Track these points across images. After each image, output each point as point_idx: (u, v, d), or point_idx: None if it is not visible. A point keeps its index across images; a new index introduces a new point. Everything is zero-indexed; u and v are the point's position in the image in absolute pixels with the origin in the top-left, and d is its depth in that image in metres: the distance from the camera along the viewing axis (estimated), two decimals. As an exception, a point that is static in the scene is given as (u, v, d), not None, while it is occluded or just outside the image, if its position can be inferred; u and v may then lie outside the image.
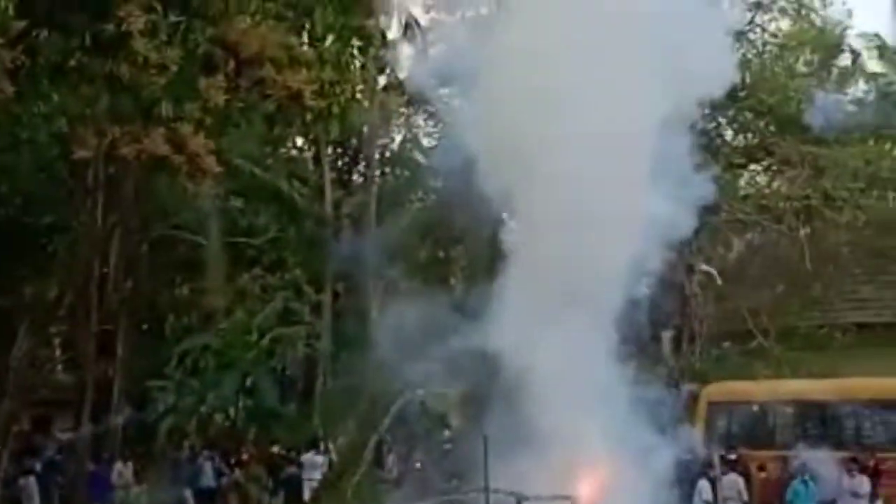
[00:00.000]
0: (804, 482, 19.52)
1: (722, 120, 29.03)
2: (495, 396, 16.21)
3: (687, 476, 19.13)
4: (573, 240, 15.09)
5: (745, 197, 29.07)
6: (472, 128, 17.02)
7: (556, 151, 15.13)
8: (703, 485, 19.70)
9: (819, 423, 22.11)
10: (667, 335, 26.85)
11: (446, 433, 25.45)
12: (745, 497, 20.12)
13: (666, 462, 16.08)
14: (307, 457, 24.80)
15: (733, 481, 20.06)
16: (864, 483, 19.36)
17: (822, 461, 19.56)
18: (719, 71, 16.59)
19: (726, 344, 28.00)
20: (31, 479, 22.91)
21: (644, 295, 17.05)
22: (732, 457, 20.75)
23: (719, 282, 27.25)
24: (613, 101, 14.98)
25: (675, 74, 15.36)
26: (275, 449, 25.63)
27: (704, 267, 26.59)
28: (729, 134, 30.03)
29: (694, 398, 23.88)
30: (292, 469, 24.89)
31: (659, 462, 15.85)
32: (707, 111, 25.76)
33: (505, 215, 18.07)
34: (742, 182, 31.24)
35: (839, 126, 26.74)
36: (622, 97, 15.04)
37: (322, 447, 25.16)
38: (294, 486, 24.55)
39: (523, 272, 15.90)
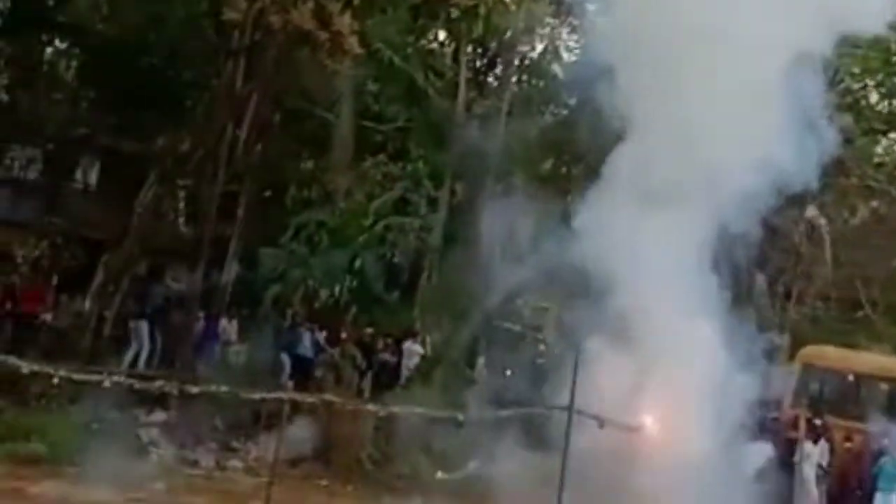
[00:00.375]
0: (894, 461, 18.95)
1: (870, 82, 28.08)
2: (591, 316, 16.46)
3: (770, 431, 19.32)
4: (683, 154, 15.16)
5: (879, 165, 28.24)
6: (611, 45, 17.04)
7: (684, 66, 15.13)
8: (824, 447, 19.54)
9: (911, 404, 21.64)
10: (762, 278, 26.35)
11: (540, 347, 25.70)
12: (826, 464, 19.79)
13: (744, 405, 16.21)
14: (408, 344, 25.33)
15: (821, 447, 19.72)
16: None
17: (906, 443, 19.14)
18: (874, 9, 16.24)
19: (820, 304, 27.48)
20: (143, 322, 23.28)
21: (748, 231, 16.99)
22: (818, 422, 20.32)
23: (827, 240, 26.46)
24: (753, 24, 14.84)
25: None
26: (368, 330, 25.98)
27: (814, 213, 25.80)
28: (874, 97, 28.97)
29: (788, 353, 23.69)
30: (385, 355, 25.44)
31: (737, 402, 15.98)
32: (857, 71, 25.14)
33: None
34: (879, 149, 30.04)
35: None
36: (764, 18, 14.88)
37: (419, 339, 25.57)
38: (386, 371, 25.10)
39: (630, 182, 16.02)
